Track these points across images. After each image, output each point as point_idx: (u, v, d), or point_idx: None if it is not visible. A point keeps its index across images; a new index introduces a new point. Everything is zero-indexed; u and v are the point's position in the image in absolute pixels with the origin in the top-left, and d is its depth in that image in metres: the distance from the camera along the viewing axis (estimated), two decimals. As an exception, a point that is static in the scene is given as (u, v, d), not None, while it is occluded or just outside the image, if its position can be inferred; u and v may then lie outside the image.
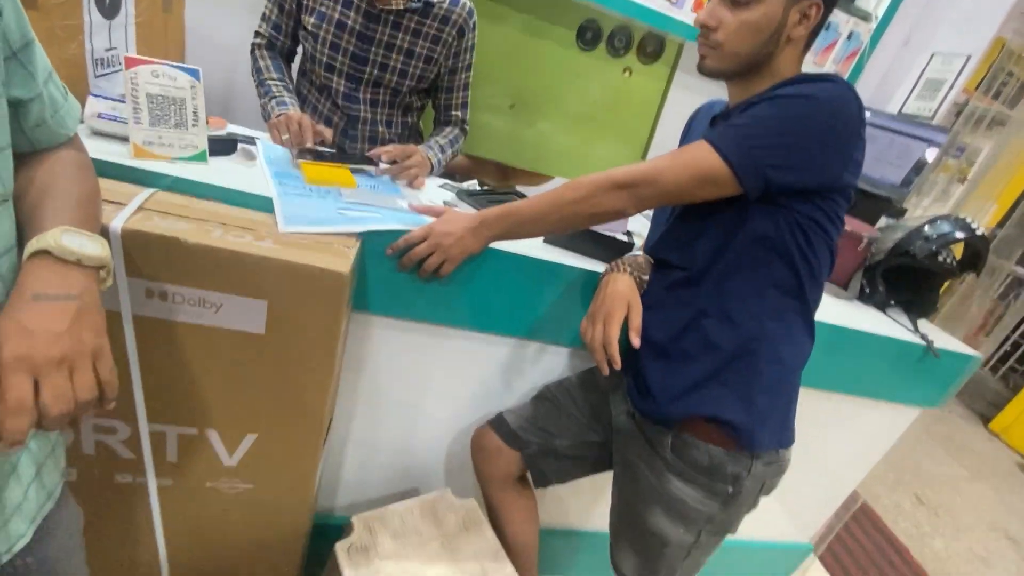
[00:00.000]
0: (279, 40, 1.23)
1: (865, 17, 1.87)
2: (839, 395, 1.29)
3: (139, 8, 1.07)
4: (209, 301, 0.72)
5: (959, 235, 1.25)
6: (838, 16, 1.87)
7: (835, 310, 1.22)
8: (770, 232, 0.74)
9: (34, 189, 0.56)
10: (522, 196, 1.13)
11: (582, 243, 1.01)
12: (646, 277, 0.87)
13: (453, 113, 1.33)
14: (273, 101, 1.15)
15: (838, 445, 1.40)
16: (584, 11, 1.70)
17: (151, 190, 0.77)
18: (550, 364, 1.11)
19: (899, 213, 1.57)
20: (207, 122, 0.89)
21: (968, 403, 3.76)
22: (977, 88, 1.80)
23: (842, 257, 1.35)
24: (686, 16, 1.74)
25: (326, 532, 1.14)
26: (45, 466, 0.64)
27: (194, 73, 0.83)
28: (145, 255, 0.68)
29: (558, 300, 1.00)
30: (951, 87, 1.74)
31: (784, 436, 0.82)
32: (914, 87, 1.86)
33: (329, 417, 0.94)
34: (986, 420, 3.54)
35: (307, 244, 0.76)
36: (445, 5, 1.19)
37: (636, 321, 0.80)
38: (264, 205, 0.82)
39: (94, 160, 0.64)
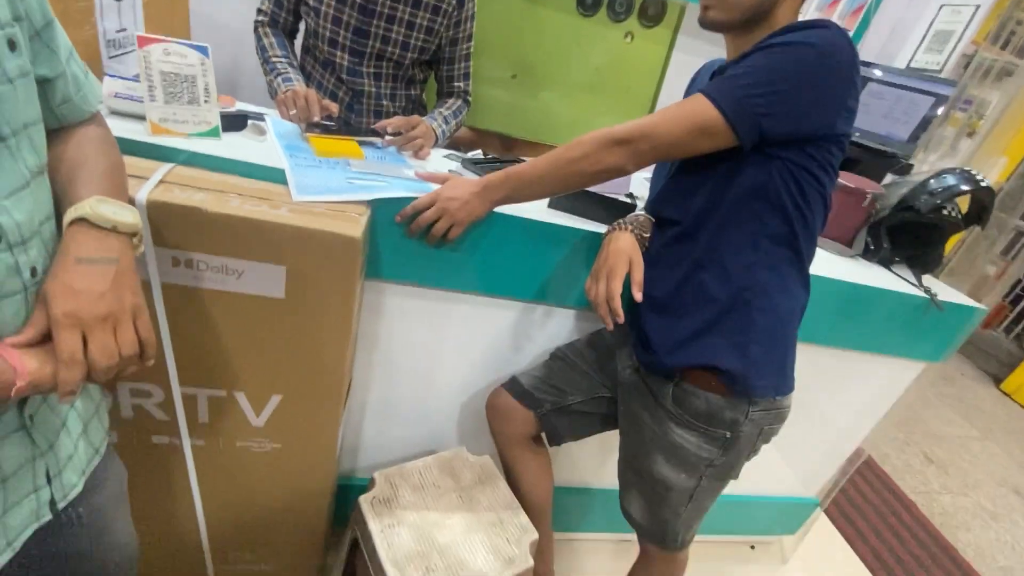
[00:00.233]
0: (281, 16, 1.25)
1: (872, -30, 1.83)
2: (843, 351, 1.31)
3: (145, -11, 1.09)
4: (231, 268, 0.77)
5: (964, 188, 1.25)
6: (844, -30, 1.83)
7: (839, 267, 1.24)
8: (764, 183, 0.75)
9: (65, 163, 0.60)
10: (526, 163, 1.16)
11: (585, 206, 1.03)
12: (647, 235, 0.90)
13: (455, 84, 1.34)
14: (279, 78, 1.18)
15: (843, 400, 1.43)
16: (584, -24, 1.68)
17: (170, 165, 0.81)
18: (557, 326, 1.15)
19: (905, 169, 1.56)
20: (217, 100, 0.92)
21: (980, 364, 3.76)
22: (985, 39, 1.76)
23: (846, 214, 1.36)
24: (688, -23, 1.72)
25: (350, 492, 1.21)
26: (90, 424, 0.69)
27: (203, 50, 0.85)
28: (169, 225, 0.72)
29: (563, 262, 1.03)
30: (960, 39, 1.70)
31: (781, 384, 0.85)
32: (922, 40, 1.82)
33: (348, 380, 0.99)
34: (997, 381, 3.53)
35: (320, 212, 0.80)
36: (444, -25, 1.19)
37: (638, 276, 0.83)
38: (277, 177, 0.86)
39: (115, 138, 0.67)
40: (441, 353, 1.13)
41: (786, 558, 1.71)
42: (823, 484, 1.63)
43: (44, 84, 0.57)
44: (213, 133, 0.89)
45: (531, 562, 0.94)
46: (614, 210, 1.02)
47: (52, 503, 0.62)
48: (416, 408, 1.19)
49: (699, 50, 1.83)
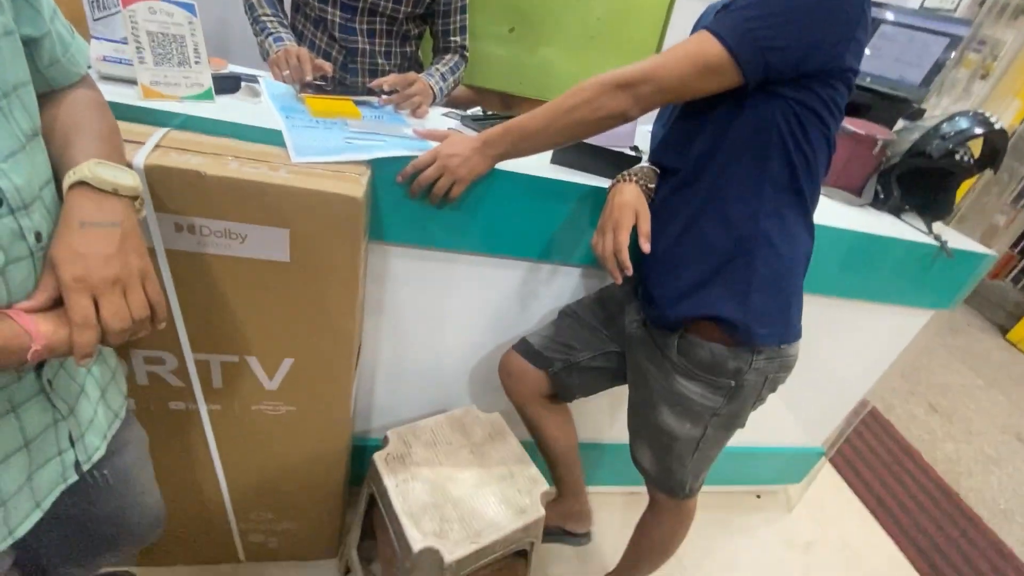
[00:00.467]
0: (268, -28, 1.20)
1: (887, -98, 1.73)
2: (851, 301, 1.31)
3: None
4: (235, 232, 0.76)
5: (977, 131, 1.22)
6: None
7: (848, 217, 1.22)
8: (766, 125, 0.73)
9: (59, 127, 0.59)
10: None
11: (589, 160, 1.01)
12: (652, 186, 0.88)
13: (452, 39, 1.30)
14: (270, 38, 1.14)
15: (850, 350, 1.44)
16: (581, -81, 1.60)
17: (164, 129, 0.79)
18: (564, 284, 1.15)
19: (917, 114, 1.52)
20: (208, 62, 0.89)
21: (988, 315, 3.75)
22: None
23: (856, 162, 1.33)
24: (691, -84, 1.63)
25: (365, 453, 1.24)
26: (108, 390, 0.70)
27: (189, 8, 0.82)
28: (169, 190, 0.72)
29: (568, 219, 1.02)
30: (977, -26, 1.62)
31: (786, 332, 0.84)
32: (937, -23, 1.74)
33: (358, 342, 1.00)
34: (1004, 331, 3.53)
35: (320, 173, 0.79)
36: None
37: (645, 227, 0.82)
38: (274, 139, 0.84)
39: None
40: (448, 315, 1.14)
41: (792, 506, 1.76)
42: (828, 434, 1.65)
43: (30, 45, 0.56)
44: (207, 96, 0.87)
45: (542, 512, 0.97)
46: (619, 164, 1.00)
47: (77, 465, 0.64)
48: (426, 369, 1.21)
49: (703, -5, 1.75)
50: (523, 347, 1.09)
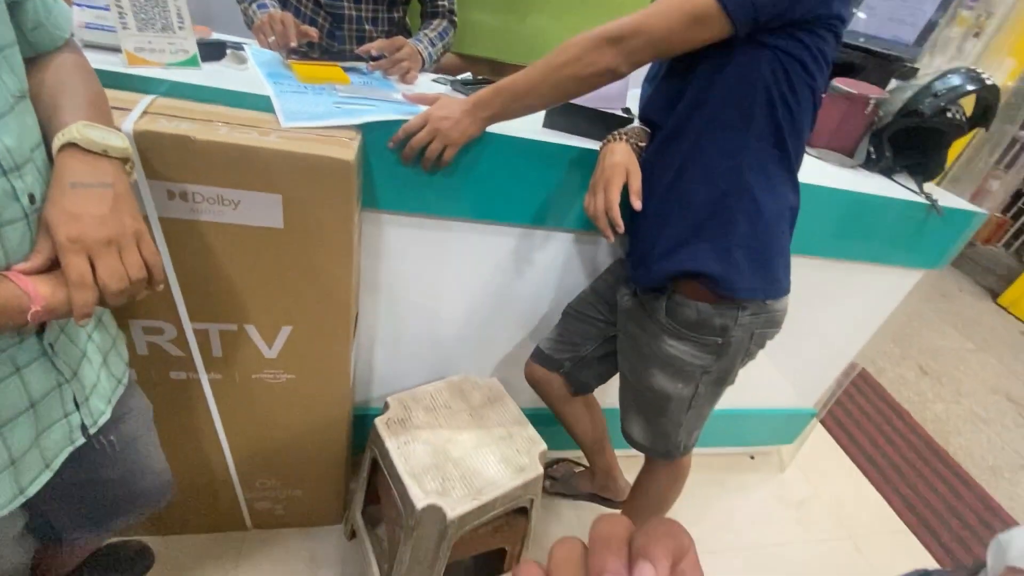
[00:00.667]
0: (249, -63, 1.17)
1: None
2: (842, 262, 1.32)
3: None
4: (227, 198, 0.76)
5: (970, 87, 1.21)
6: None
7: (839, 177, 1.22)
8: (752, 77, 0.73)
9: (46, 90, 0.58)
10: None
11: (581, 123, 1.01)
12: (643, 144, 0.88)
13: (439, 3, 1.28)
14: (254, 5, 1.12)
15: (841, 311, 1.46)
16: None
17: (151, 96, 0.79)
18: (558, 249, 1.15)
19: (910, 73, 1.51)
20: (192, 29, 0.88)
21: (979, 280, 3.79)
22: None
23: (848, 122, 1.33)
24: None
25: (364, 423, 1.26)
26: (109, 356, 0.71)
27: (171, -29, 0.81)
28: (160, 156, 0.72)
29: (561, 183, 1.02)
30: (973, -73, 1.60)
31: (770, 288, 0.85)
32: (933, -68, 1.70)
33: (355, 308, 1.01)
34: (995, 295, 3.57)
35: (311, 138, 0.78)
36: None
37: (635, 185, 0.83)
38: (262, 104, 0.84)
39: (92, 67, 0.65)
40: (443, 282, 1.15)
41: (784, 466, 1.80)
42: (820, 395, 1.69)
43: (13, 8, 0.55)
44: (192, 62, 0.86)
45: (540, 470, 0.99)
46: (610, 125, 1.00)
47: (84, 429, 0.65)
48: (423, 337, 1.22)
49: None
50: (536, 354, 1.17)
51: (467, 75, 1.16)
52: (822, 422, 2.02)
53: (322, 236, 0.83)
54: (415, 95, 0.94)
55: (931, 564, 1.62)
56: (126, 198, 0.56)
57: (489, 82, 1.14)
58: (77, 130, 0.53)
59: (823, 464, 1.88)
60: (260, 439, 1.07)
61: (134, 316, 0.85)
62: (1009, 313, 3.44)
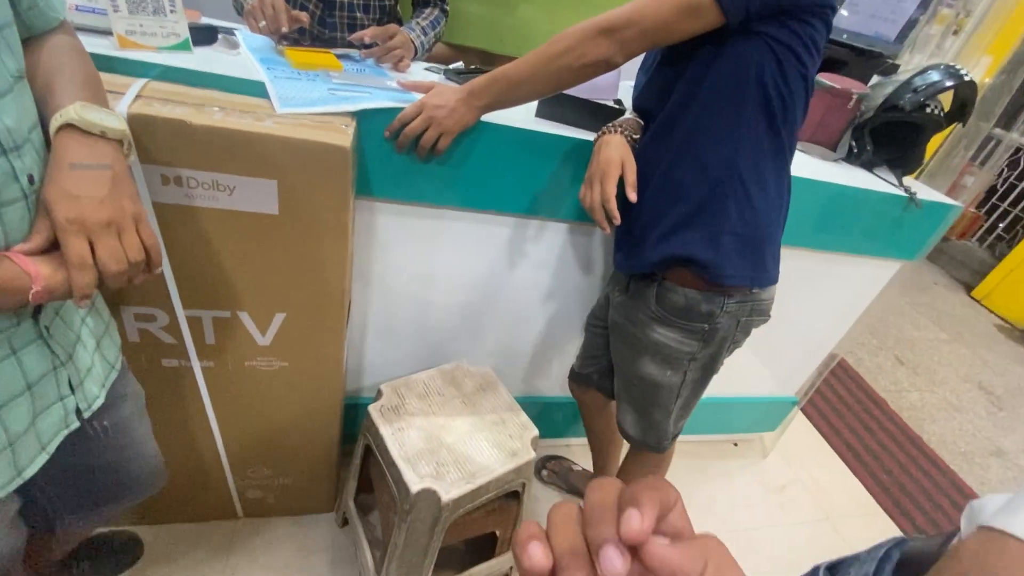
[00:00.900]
0: (238, -79, 1.16)
1: None
2: (822, 253, 1.36)
3: None
4: (222, 184, 0.76)
5: (948, 83, 1.25)
6: None
7: (821, 170, 1.25)
8: (745, 67, 0.75)
9: (42, 71, 0.58)
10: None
11: (573, 113, 1.02)
12: (637, 136, 0.90)
13: (432, -8, 1.28)
14: (244, -10, 1.11)
15: (822, 302, 1.50)
16: None
17: (143, 80, 0.78)
18: (551, 240, 1.17)
19: (891, 70, 1.55)
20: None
21: (954, 274, 3.90)
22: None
23: (831, 116, 1.36)
24: None
25: (356, 412, 1.27)
26: (103, 341, 0.71)
27: (161, -47, 0.80)
28: (154, 140, 0.71)
29: (555, 173, 1.03)
30: (952, -73, 1.64)
31: (758, 276, 0.86)
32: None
33: (348, 295, 1.01)
34: (969, 289, 3.69)
35: (306, 124, 0.78)
36: None
37: (631, 177, 0.84)
38: (256, 90, 0.83)
39: (84, 50, 0.65)
40: (437, 271, 1.15)
41: (766, 453, 1.85)
42: (801, 384, 1.73)
43: (6, -13, 0.54)
44: (184, 46, 0.86)
45: (533, 454, 1.01)
46: (603, 117, 1.01)
47: (79, 412, 0.65)
48: (416, 326, 1.23)
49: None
50: (572, 376, 1.23)
51: (459, 64, 1.17)
52: (803, 410, 2.08)
53: (317, 223, 0.84)
54: (410, 82, 0.95)
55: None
56: (124, 180, 0.56)
57: (482, 71, 1.15)
58: (75, 111, 0.53)
59: (804, 451, 1.93)
60: (252, 427, 1.07)
61: (125, 303, 0.85)
62: (982, 306, 3.55)
